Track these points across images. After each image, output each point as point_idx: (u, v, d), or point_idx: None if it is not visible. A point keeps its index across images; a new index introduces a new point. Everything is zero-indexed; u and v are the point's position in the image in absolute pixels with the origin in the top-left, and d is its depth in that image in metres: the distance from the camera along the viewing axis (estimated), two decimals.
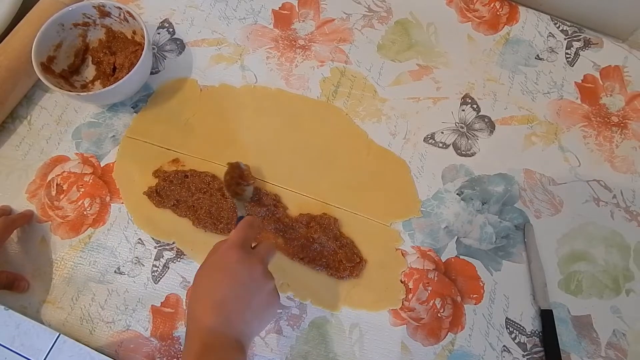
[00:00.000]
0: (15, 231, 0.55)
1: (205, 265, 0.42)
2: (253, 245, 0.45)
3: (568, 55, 0.68)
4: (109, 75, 0.63)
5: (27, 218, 0.56)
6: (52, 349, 0.50)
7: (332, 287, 0.55)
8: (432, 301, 0.55)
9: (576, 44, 0.69)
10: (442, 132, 0.63)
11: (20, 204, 0.57)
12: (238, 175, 0.56)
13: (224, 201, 0.57)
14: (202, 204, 0.57)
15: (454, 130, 0.63)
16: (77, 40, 0.63)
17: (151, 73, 0.64)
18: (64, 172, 0.59)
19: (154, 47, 0.67)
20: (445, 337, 0.54)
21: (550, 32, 0.69)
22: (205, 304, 0.40)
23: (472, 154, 0.62)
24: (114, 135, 0.61)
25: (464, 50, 0.68)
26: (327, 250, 0.55)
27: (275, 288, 0.43)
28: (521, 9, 0.71)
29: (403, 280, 0.56)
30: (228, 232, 0.56)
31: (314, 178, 0.60)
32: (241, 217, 0.49)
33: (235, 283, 0.40)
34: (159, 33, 0.68)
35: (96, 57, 0.64)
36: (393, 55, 0.67)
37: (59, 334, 0.51)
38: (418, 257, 0.57)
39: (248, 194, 0.56)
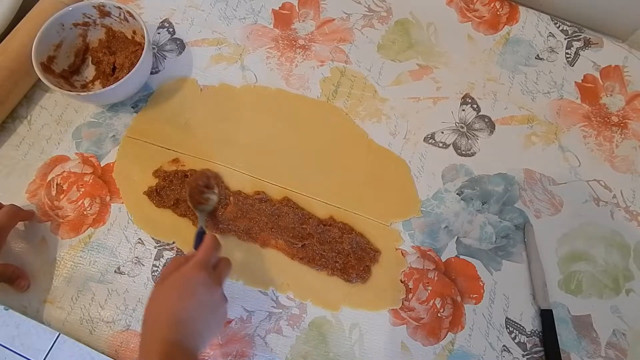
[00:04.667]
0: (18, 228, 0.55)
1: (168, 281, 0.43)
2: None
3: (568, 55, 0.68)
4: (109, 75, 0.63)
5: (30, 214, 0.56)
6: (52, 349, 0.50)
7: (332, 287, 0.55)
8: (432, 301, 0.55)
9: (576, 44, 0.69)
10: (442, 132, 0.63)
11: (21, 204, 0.57)
12: (204, 184, 0.56)
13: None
14: None
15: (454, 130, 0.63)
16: (77, 40, 0.63)
17: (151, 73, 0.64)
18: (64, 172, 0.59)
19: (154, 47, 0.67)
20: (445, 337, 0.54)
21: (550, 32, 0.69)
22: (167, 319, 0.41)
23: (472, 154, 0.62)
24: (114, 135, 0.61)
25: (464, 50, 0.68)
26: (342, 253, 0.55)
27: (226, 308, 0.46)
28: (521, 8, 0.71)
29: (403, 280, 0.56)
30: (228, 232, 0.56)
31: (314, 178, 0.60)
32: (201, 229, 0.51)
33: (198, 304, 0.42)
34: (159, 33, 0.68)
35: (96, 57, 0.64)
36: (393, 55, 0.67)
37: (59, 334, 0.51)
38: (418, 256, 0.57)
39: (211, 204, 0.56)
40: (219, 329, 0.47)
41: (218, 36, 0.68)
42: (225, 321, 0.48)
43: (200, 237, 0.49)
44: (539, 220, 0.59)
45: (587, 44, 0.69)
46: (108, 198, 0.58)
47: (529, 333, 0.54)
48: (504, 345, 0.54)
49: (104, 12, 0.61)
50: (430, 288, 0.55)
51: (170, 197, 0.57)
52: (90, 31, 0.63)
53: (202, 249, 0.46)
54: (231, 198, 0.58)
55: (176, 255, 0.56)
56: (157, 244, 0.57)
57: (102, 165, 0.60)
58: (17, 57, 0.59)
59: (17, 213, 0.54)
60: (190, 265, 0.44)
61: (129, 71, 0.56)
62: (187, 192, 0.56)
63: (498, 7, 0.71)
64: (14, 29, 0.61)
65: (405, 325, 0.54)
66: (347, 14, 0.70)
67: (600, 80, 0.67)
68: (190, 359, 0.40)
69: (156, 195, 0.58)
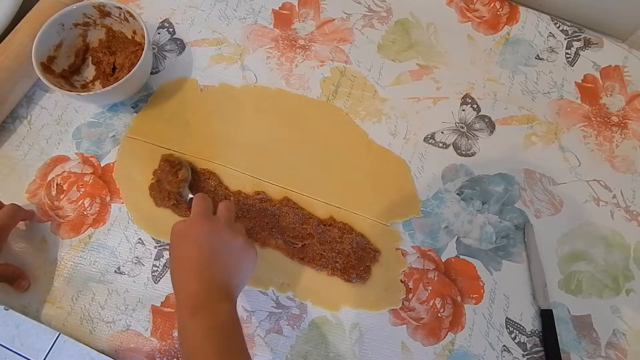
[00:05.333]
0: (19, 228, 0.55)
1: (176, 242, 0.46)
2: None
3: (568, 55, 0.68)
4: (109, 75, 0.63)
5: (31, 214, 0.57)
6: (52, 349, 0.50)
7: (332, 287, 0.55)
8: (432, 301, 0.55)
9: (576, 44, 0.69)
10: (442, 132, 0.63)
11: (21, 204, 0.57)
12: (168, 166, 0.57)
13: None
14: None
15: (454, 130, 0.63)
16: (77, 40, 0.63)
17: (151, 73, 0.64)
18: (64, 172, 0.59)
19: (154, 47, 0.67)
20: (445, 337, 0.54)
21: (550, 32, 0.70)
22: (186, 274, 0.43)
23: (472, 154, 0.62)
24: (114, 135, 0.61)
25: (464, 50, 0.68)
26: (343, 253, 0.55)
27: (246, 240, 0.47)
28: (521, 8, 0.71)
29: (403, 280, 0.56)
30: None
31: (314, 178, 0.60)
32: (191, 199, 0.53)
33: (208, 248, 0.44)
34: (159, 33, 0.68)
35: (96, 57, 0.64)
36: (393, 55, 0.67)
37: (59, 334, 0.51)
38: (418, 256, 0.57)
39: (187, 175, 0.57)
40: (245, 264, 0.46)
41: (218, 36, 0.68)
42: (250, 255, 0.47)
43: (191, 203, 0.50)
44: (539, 220, 0.59)
45: (587, 44, 0.69)
46: (108, 198, 0.58)
47: (529, 333, 0.54)
48: (504, 345, 0.54)
49: (104, 12, 0.61)
50: (430, 288, 0.55)
51: (167, 189, 0.57)
52: (90, 31, 0.63)
53: (193, 205, 0.48)
54: (231, 198, 0.58)
55: None
56: (157, 244, 0.57)
57: (102, 165, 0.60)
58: (17, 57, 0.59)
59: (17, 212, 0.54)
60: (188, 222, 0.46)
61: (129, 71, 0.56)
62: (164, 182, 0.57)
63: (498, 7, 0.71)
64: (14, 29, 0.61)
65: (405, 325, 0.54)
66: (347, 14, 0.70)
67: (600, 80, 0.67)
68: (224, 299, 0.42)
69: (157, 192, 0.57)
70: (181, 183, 0.56)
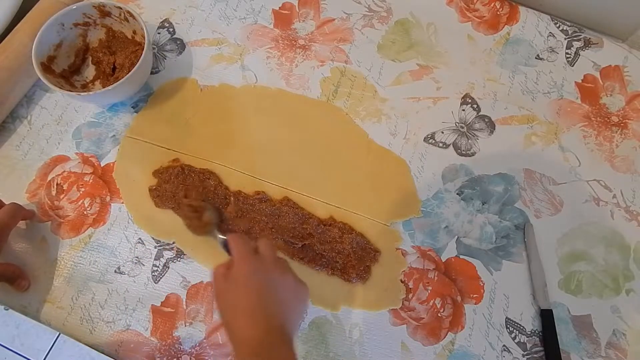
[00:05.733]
0: (20, 227, 0.56)
1: (224, 289, 0.43)
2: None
3: (568, 55, 0.68)
4: (109, 75, 0.63)
5: (31, 213, 0.57)
6: (52, 349, 0.50)
7: (332, 287, 0.55)
8: (432, 301, 0.55)
9: (576, 44, 0.69)
10: (442, 132, 0.63)
11: (21, 203, 0.57)
12: (191, 212, 0.55)
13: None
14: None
15: (454, 130, 0.63)
16: (77, 40, 0.63)
17: (151, 73, 0.64)
18: (64, 171, 0.59)
19: (154, 47, 0.67)
20: (445, 337, 0.54)
21: (550, 32, 0.70)
22: (240, 320, 0.40)
23: (472, 154, 0.62)
24: (114, 135, 0.61)
25: (464, 50, 0.68)
26: (343, 253, 0.55)
27: (295, 278, 0.44)
28: (521, 8, 0.71)
29: (403, 280, 0.56)
30: (230, 231, 0.56)
31: (314, 178, 0.60)
32: (223, 240, 0.50)
33: (258, 290, 0.41)
34: (159, 33, 0.68)
35: (96, 57, 0.64)
36: (393, 55, 0.67)
37: (59, 334, 0.51)
38: (418, 256, 0.57)
39: (211, 217, 0.55)
40: (297, 301, 0.44)
41: (218, 36, 0.68)
42: (303, 291, 0.44)
43: (225, 245, 0.48)
44: (539, 220, 0.59)
45: (587, 44, 0.69)
46: (108, 198, 0.58)
47: (529, 333, 0.54)
48: (504, 345, 0.54)
49: (104, 12, 0.61)
50: (430, 288, 0.55)
51: (170, 195, 0.57)
52: (90, 31, 0.63)
53: (233, 246, 0.45)
54: (231, 198, 0.58)
55: (176, 255, 0.56)
56: (157, 243, 0.57)
57: (102, 165, 0.60)
58: (17, 57, 0.59)
59: (18, 212, 0.54)
60: (234, 265, 0.43)
61: (129, 71, 0.56)
62: (189, 227, 0.55)
63: (498, 7, 0.71)
64: (14, 29, 0.61)
65: (405, 325, 0.54)
66: (347, 14, 0.70)
67: (600, 80, 0.67)
68: (283, 341, 0.39)
69: (156, 195, 0.57)
70: (208, 227, 0.54)
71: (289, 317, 0.42)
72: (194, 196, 0.56)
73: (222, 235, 0.53)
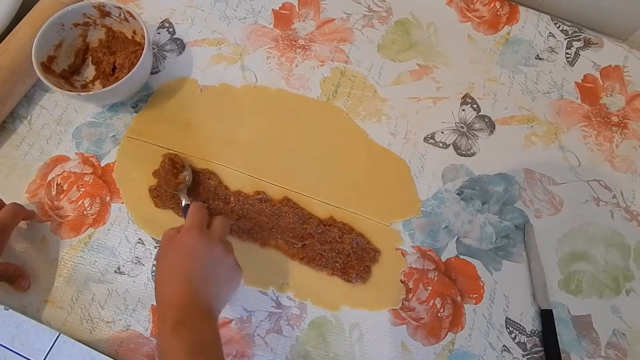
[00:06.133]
0: (20, 227, 0.56)
1: (166, 250, 0.45)
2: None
3: (568, 55, 0.68)
4: (109, 75, 0.63)
5: (32, 213, 0.57)
6: (52, 349, 0.50)
7: (332, 287, 0.55)
8: (432, 301, 0.55)
9: (576, 44, 0.69)
10: (442, 132, 0.63)
11: (21, 203, 0.57)
12: (170, 166, 0.57)
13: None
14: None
15: (454, 130, 0.63)
16: (78, 40, 0.63)
17: (151, 73, 0.64)
18: (64, 172, 0.59)
19: (154, 47, 0.67)
20: (445, 337, 0.54)
21: (550, 32, 0.70)
22: (172, 285, 0.42)
23: (472, 154, 0.62)
24: (114, 135, 0.61)
25: (464, 50, 0.68)
26: (343, 253, 0.56)
27: (235, 262, 0.46)
28: (521, 8, 0.71)
29: (403, 280, 0.56)
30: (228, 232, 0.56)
31: (314, 178, 0.60)
32: (186, 205, 0.52)
33: (198, 263, 0.43)
34: (159, 33, 0.68)
35: (96, 57, 0.64)
36: (393, 55, 0.67)
37: (59, 334, 0.51)
38: (418, 256, 0.57)
39: (188, 179, 0.57)
40: (230, 285, 0.46)
41: (218, 36, 0.68)
42: (238, 276, 0.47)
43: (186, 210, 0.50)
44: (539, 220, 0.59)
45: (587, 44, 0.69)
46: (108, 198, 0.58)
47: (529, 333, 0.54)
48: (504, 345, 0.54)
49: (104, 12, 0.61)
50: (430, 288, 0.55)
51: (170, 195, 0.57)
52: (90, 31, 0.63)
53: (189, 214, 0.47)
54: (231, 198, 0.58)
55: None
56: (157, 243, 0.57)
57: (102, 165, 0.60)
58: (17, 57, 0.59)
59: (19, 211, 0.54)
60: (183, 233, 0.45)
61: (129, 71, 0.56)
62: (162, 180, 0.57)
63: (498, 7, 0.71)
64: (14, 29, 0.61)
65: (405, 325, 0.54)
66: (347, 14, 0.70)
67: (600, 80, 0.67)
68: (208, 316, 0.41)
69: (156, 195, 0.58)
70: (179, 185, 0.56)
71: (219, 295, 0.44)
72: (180, 159, 0.58)
73: (187, 200, 0.55)
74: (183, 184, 0.56)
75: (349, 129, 0.63)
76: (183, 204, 0.55)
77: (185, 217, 0.49)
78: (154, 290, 0.54)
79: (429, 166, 0.61)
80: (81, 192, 0.58)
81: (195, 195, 0.58)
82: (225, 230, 0.48)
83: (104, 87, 0.57)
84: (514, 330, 0.54)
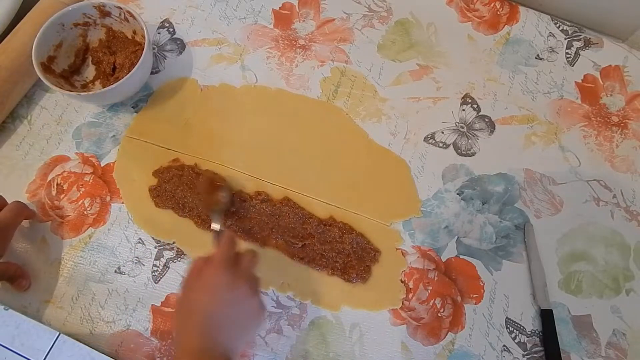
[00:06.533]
0: (23, 226, 0.56)
1: (191, 283, 0.44)
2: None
3: (568, 55, 0.68)
4: (109, 75, 0.63)
5: (33, 212, 0.57)
6: (52, 349, 0.50)
7: (332, 287, 0.55)
8: (432, 301, 0.55)
9: (576, 44, 0.69)
10: (442, 132, 0.63)
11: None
12: (209, 185, 0.56)
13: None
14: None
15: (454, 130, 0.63)
16: (78, 40, 0.63)
17: (151, 73, 0.64)
18: (64, 171, 0.59)
19: (154, 47, 0.67)
20: (445, 337, 0.54)
21: (550, 32, 0.70)
22: (193, 327, 0.41)
23: (472, 154, 0.62)
24: (114, 135, 0.61)
25: (464, 50, 0.68)
26: (343, 253, 0.55)
27: (259, 302, 0.45)
28: (521, 8, 0.71)
29: (403, 280, 0.56)
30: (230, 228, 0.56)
31: (314, 178, 0.60)
32: (218, 232, 0.50)
33: (221, 305, 0.42)
34: (159, 33, 0.68)
35: (96, 57, 0.64)
36: (393, 55, 0.67)
37: (59, 334, 0.51)
38: (418, 256, 0.57)
39: (225, 200, 0.55)
40: (252, 326, 0.45)
41: (218, 36, 0.68)
42: (261, 316, 0.45)
43: (217, 237, 0.49)
44: (539, 220, 0.59)
45: (587, 44, 0.69)
46: (108, 198, 0.58)
47: (529, 333, 0.54)
48: (504, 345, 0.54)
49: (104, 12, 0.61)
50: (430, 288, 0.55)
51: (170, 195, 0.57)
52: (90, 31, 0.63)
53: (220, 248, 0.45)
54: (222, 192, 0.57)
55: (176, 255, 0.56)
56: (157, 243, 0.57)
57: (102, 165, 0.60)
58: (17, 57, 0.59)
59: (22, 210, 0.54)
60: (210, 268, 0.43)
61: (129, 71, 0.56)
62: (200, 196, 0.55)
63: (498, 7, 0.71)
64: (14, 29, 0.61)
65: (405, 325, 0.54)
66: (347, 14, 0.70)
67: (600, 80, 0.67)
68: (227, 358, 0.40)
69: (156, 195, 0.58)
70: (216, 205, 0.54)
71: (237, 339, 0.43)
72: (218, 177, 0.57)
73: (220, 225, 0.52)
74: (219, 204, 0.55)
75: (349, 129, 0.63)
76: (216, 229, 0.52)
77: (216, 243, 0.47)
78: (154, 290, 0.54)
79: (429, 166, 0.61)
80: (81, 192, 0.58)
81: (221, 178, 0.57)
82: (255, 265, 0.47)
83: (104, 87, 0.57)
84: (514, 330, 0.54)
